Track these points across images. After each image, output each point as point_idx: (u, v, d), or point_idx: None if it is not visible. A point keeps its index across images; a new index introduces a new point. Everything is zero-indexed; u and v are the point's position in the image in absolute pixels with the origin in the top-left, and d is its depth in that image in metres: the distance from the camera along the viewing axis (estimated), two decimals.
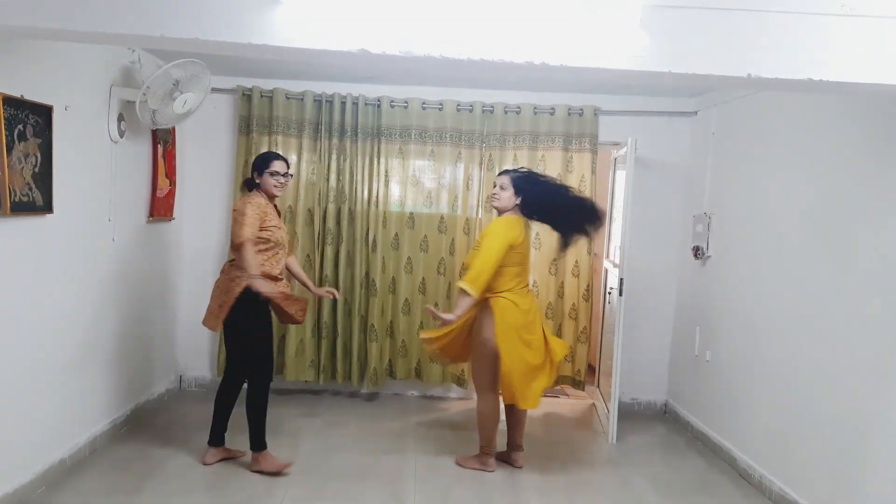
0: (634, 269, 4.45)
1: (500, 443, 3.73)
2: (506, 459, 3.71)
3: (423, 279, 4.72)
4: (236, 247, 3.29)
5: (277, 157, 3.48)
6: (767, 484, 3.45)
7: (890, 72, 2.30)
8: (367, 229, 4.67)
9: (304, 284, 3.78)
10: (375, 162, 4.66)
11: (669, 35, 2.30)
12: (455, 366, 4.45)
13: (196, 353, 4.81)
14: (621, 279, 4.12)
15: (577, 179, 4.67)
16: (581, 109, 4.63)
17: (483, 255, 3.37)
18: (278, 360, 4.59)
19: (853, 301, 2.92)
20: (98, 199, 3.57)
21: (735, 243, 3.99)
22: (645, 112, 4.70)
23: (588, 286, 4.72)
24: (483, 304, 3.47)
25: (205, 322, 3.47)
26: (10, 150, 2.80)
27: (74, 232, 3.35)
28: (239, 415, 3.51)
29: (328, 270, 4.65)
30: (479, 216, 4.75)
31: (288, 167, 3.49)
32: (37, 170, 2.99)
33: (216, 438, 3.54)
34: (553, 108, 4.63)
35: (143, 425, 4.02)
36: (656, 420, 4.73)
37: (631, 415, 4.68)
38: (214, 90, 4.28)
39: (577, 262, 4.70)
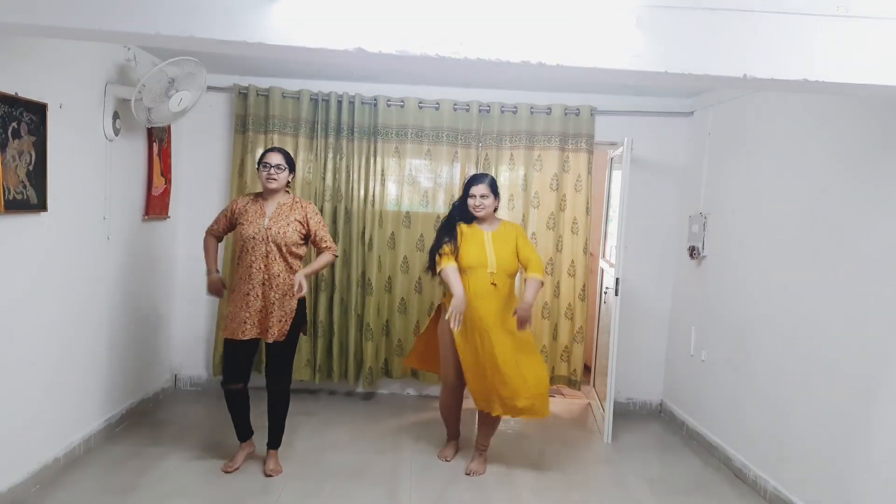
0: (630, 268, 4.47)
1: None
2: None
3: (420, 278, 4.72)
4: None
5: (272, 149, 3.41)
6: (762, 483, 3.46)
7: (885, 73, 2.31)
8: (364, 228, 4.67)
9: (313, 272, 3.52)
10: (372, 161, 4.66)
11: (666, 35, 2.30)
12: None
13: (191, 352, 4.80)
14: (617, 279, 4.12)
15: (574, 179, 4.68)
16: (577, 109, 4.64)
17: (533, 249, 3.58)
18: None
19: (848, 301, 2.93)
20: (93, 197, 3.56)
21: (731, 243, 4.00)
22: (641, 112, 4.71)
23: (584, 286, 4.73)
24: (512, 297, 3.55)
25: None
26: (4, 147, 2.79)
27: (69, 230, 3.34)
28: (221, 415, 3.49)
29: (324, 269, 4.64)
30: None
31: (284, 159, 3.33)
32: (31, 167, 2.98)
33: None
34: (549, 108, 4.64)
35: (137, 424, 4.01)
36: (652, 419, 4.74)
37: (626, 414, 4.69)
38: (210, 88, 4.27)
39: (573, 261, 4.70)
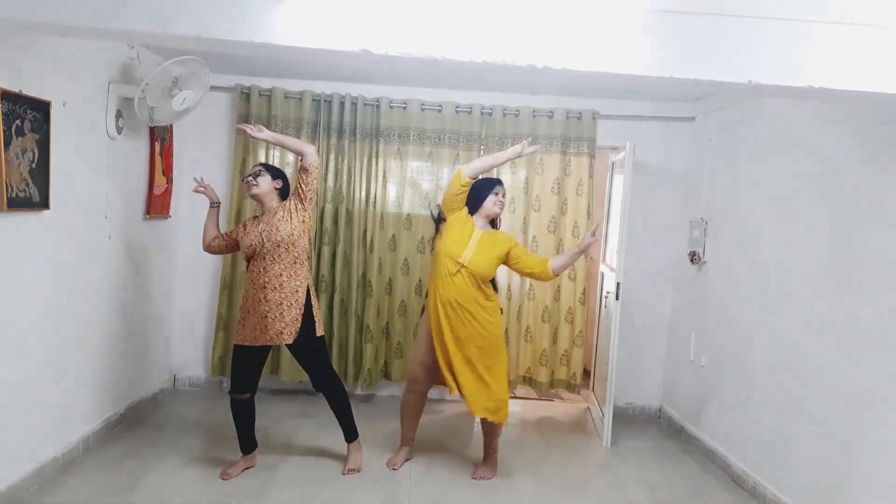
0: (631, 273, 4.47)
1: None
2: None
3: (420, 280, 4.72)
4: None
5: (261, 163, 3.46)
6: (761, 490, 3.45)
7: (889, 80, 2.32)
8: (365, 230, 4.67)
9: None
10: (373, 162, 4.66)
11: (672, 40, 2.31)
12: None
13: (191, 352, 4.80)
14: (618, 283, 4.12)
15: (575, 183, 4.68)
16: (579, 113, 4.64)
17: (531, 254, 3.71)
18: (273, 361, 4.58)
19: (849, 307, 2.93)
20: (95, 195, 3.56)
21: (732, 249, 4.00)
22: (643, 117, 4.72)
23: (584, 290, 4.73)
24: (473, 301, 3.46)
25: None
26: (7, 145, 2.78)
27: (70, 228, 3.33)
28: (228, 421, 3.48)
29: (325, 270, 4.64)
30: None
31: (263, 166, 3.34)
32: (34, 165, 2.97)
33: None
34: (552, 112, 4.64)
35: (136, 424, 4.00)
36: (651, 425, 4.73)
37: (626, 419, 4.69)
38: (213, 88, 4.27)
39: (574, 265, 4.70)
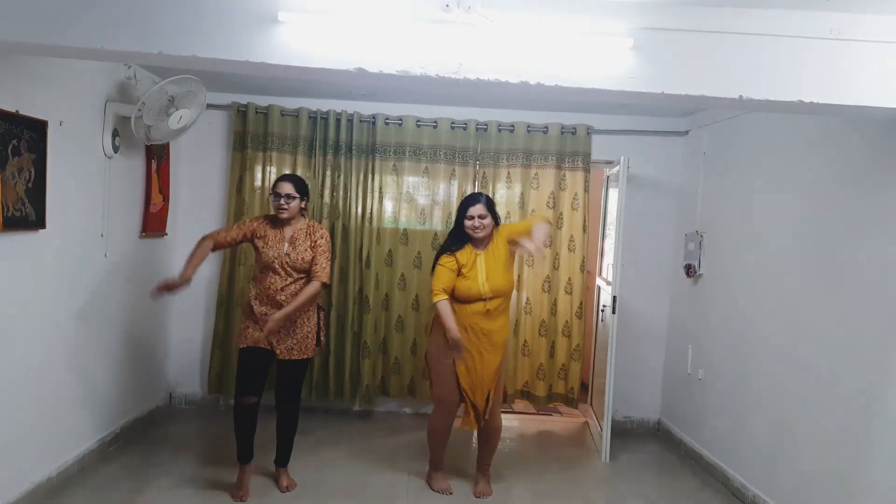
0: (627, 286, 4.47)
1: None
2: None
3: (417, 296, 4.72)
4: None
5: (284, 177, 3.40)
6: (760, 503, 3.44)
7: (878, 94, 2.35)
8: (361, 245, 4.68)
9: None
10: (369, 178, 4.68)
11: (663, 57, 2.34)
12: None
13: (187, 370, 4.78)
14: (614, 297, 4.13)
15: (570, 197, 4.70)
16: (574, 128, 4.68)
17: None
18: (271, 378, 4.55)
19: (844, 319, 2.94)
20: (91, 214, 3.56)
21: (727, 262, 4.02)
22: (637, 131, 4.75)
23: (581, 304, 4.74)
24: (505, 316, 3.49)
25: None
26: (3, 165, 2.79)
27: (67, 247, 3.34)
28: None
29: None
30: None
31: (294, 188, 3.30)
32: (30, 185, 2.98)
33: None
34: (546, 127, 4.67)
35: (132, 443, 3.98)
36: (649, 438, 4.72)
37: (624, 433, 4.67)
38: (209, 106, 4.29)
39: (570, 279, 4.71)
